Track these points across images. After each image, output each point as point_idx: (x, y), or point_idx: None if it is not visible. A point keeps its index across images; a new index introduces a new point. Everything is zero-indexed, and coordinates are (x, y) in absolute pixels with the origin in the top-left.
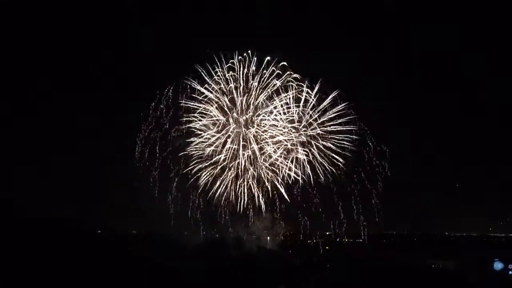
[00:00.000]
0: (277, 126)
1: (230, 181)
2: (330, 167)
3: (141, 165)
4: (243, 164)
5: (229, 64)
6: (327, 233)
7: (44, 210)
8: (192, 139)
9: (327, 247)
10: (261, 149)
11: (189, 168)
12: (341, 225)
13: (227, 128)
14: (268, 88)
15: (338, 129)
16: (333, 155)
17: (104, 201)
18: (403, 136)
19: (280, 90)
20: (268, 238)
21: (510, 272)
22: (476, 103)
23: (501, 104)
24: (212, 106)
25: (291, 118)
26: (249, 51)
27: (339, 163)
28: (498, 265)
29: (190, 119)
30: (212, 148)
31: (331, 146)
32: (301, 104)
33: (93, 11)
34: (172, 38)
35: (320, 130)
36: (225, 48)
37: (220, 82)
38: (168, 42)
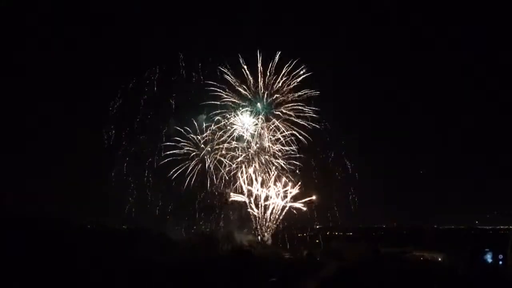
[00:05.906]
0: None
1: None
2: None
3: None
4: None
5: None
6: (318, 227)
7: (31, 208)
8: None
9: (317, 241)
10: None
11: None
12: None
13: None
14: None
15: None
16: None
17: (94, 195)
18: None
19: None
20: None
21: (501, 263)
22: None
23: None
24: None
25: None
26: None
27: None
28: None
29: None
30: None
31: None
32: None
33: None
34: None
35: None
36: None
37: None
38: None
